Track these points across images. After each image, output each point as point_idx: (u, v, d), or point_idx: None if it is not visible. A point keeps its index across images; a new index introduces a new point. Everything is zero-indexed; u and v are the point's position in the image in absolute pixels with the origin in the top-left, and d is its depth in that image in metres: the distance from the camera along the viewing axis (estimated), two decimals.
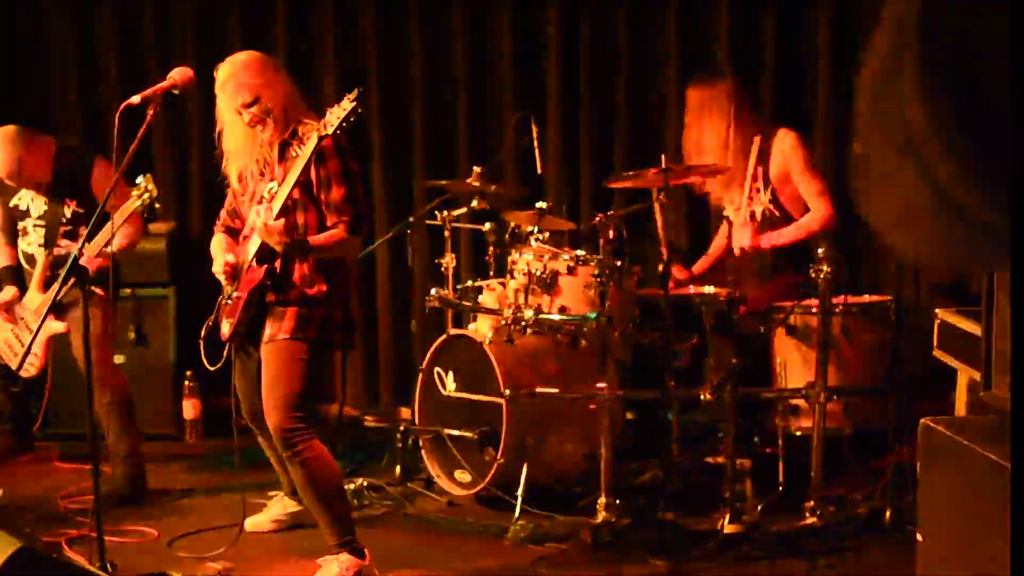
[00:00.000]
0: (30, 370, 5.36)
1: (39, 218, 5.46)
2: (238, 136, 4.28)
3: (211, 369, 4.36)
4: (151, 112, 4.04)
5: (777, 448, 4.94)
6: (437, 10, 6.75)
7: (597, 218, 4.69)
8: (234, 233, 4.49)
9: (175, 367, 6.66)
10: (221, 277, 4.30)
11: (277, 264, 4.16)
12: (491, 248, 5.85)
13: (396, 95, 6.82)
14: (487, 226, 5.84)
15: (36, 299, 5.38)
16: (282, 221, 4.03)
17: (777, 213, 5.30)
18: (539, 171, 5.80)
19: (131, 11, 7.07)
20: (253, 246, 4.17)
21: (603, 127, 6.52)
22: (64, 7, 7.08)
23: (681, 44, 6.33)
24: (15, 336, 5.42)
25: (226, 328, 4.26)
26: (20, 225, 5.51)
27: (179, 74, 4.15)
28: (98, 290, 5.14)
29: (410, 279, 6.70)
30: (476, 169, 5.57)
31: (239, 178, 4.38)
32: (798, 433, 4.84)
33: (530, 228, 5.24)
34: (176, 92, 4.16)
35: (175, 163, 7.17)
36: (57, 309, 5.26)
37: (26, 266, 5.52)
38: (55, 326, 5.25)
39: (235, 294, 4.23)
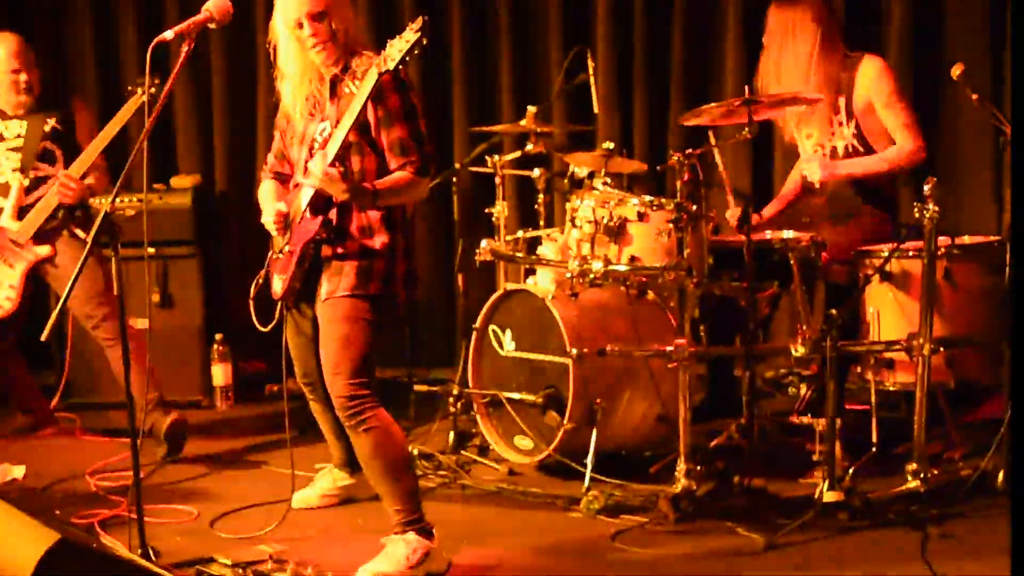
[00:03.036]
0: (5, 305, 5.21)
1: (16, 139, 5.33)
2: (292, 60, 3.86)
3: (263, 330, 3.99)
4: (186, 49, 3.65)
5: (865, 404, 4.55)
6: None
7: (674, 157, 4.26)
8: (284, 179, 4.10)
9: (204, 330, 6.28)
10: (272, 229, 3.91)
11: (333, 214, 3.77)
12: (541, 195, 5.47)
13: (432, 32, 6.32)
14: (536, 172, 5.44)
15: (12, 228, 5.20)
16: (340, 169, 3.67)
17: (861, 149, 4.87)
18: (596, 110, 5.37)
19: None
20: (306, 194, 3.80)
21: (656, 63, 6.03)
22: None
23: None
24: None
25: (278, 285, 3.89)
26: None
27: (216, 6, 3.71)
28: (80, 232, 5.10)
29: (452, 230, 6.27)
30: (531, 109, 5.15)
31: (288, 117, 3.98)
32: (893, 388, 4.44)
33: (594, 172, 4.82)
34: (213, 26, 3.74)
35: (198, 114, 6.75)
36: (40, 237, 5.21)
37: None
38: (39, 251, 5.16)
39: (287, 248, 3.86)
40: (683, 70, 5.96)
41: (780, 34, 4.89)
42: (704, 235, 4.38)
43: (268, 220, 3.91)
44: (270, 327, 3.98)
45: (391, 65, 3.53)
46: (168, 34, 3.59)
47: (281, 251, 3.89)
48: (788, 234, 4.60)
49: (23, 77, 5.33)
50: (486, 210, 5.35)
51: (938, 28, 5.51)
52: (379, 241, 3.77)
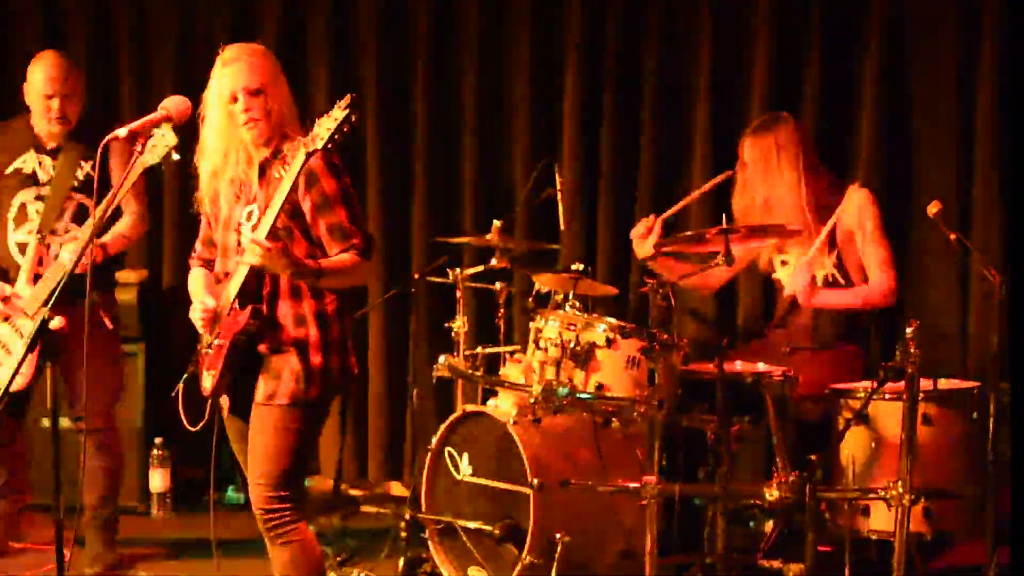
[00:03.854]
0: (17, 381, 4.51)
1: (45, 184, 4.76)
2: (221, 136, 3.67)
3: (192, 430, 3.74)
4: (139, 148, 3.43)
5: (830, 547, 4.38)
6: (445, 44, 6.18)
7: (648, 284, 4.11)
8: (213, 266, 3.89)
9: (143, 433, 6.01)
10: (199, 322, 3.70)
11: (264, 303, 3.61)
12: (501, 310, 5.29)
13: (396, 136, 6.20)
14: (497, 286, 5.28)
15: (26, 294, 4.69)
16: (278, 244, 3.46)
17: (841, 281, 4.75)
18: (563, 226, 5.23)
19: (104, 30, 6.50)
20: (235, 283, 3.58)
21: (624, 180, 5.88)
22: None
23: (714, 81, 5.69)
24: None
25: (208, 382, 3.65)
26: (17, 200, 4.80)
27: (174, 105, 3.50)
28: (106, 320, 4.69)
29: (405, 343, 6.02)
30: (496, 223, 4.98)
31: (213, 199, 3.78)
32: (872, 537, 4.26)
33: (562, 293, 4.66)
34: (169, 126, 3.49)
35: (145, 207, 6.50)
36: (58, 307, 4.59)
37: (17, 258, 4.79)
38: (52, 322, 4.38)
39: (216, 341, 3.63)
40: (651, 186, 5.80)
41: (762, 162, 4.77)
42: (675, 365, 4.22)
43: (195, 315, 3.70)
44: (199, 426, 3.73)
45: (319, 145, 3.40)
46: (121, 132, 3.40)
47: (210, 345, 3.66)
48: (761, 367, 4.46)
49: (55, 104, 4.70)
50: (446, 324, 5.16)
51: (907, 163, 5.39)
52: (314, 333, 3.62)
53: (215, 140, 3.67)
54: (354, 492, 6.18)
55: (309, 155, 3.43)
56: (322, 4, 6.26)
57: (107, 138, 3.42)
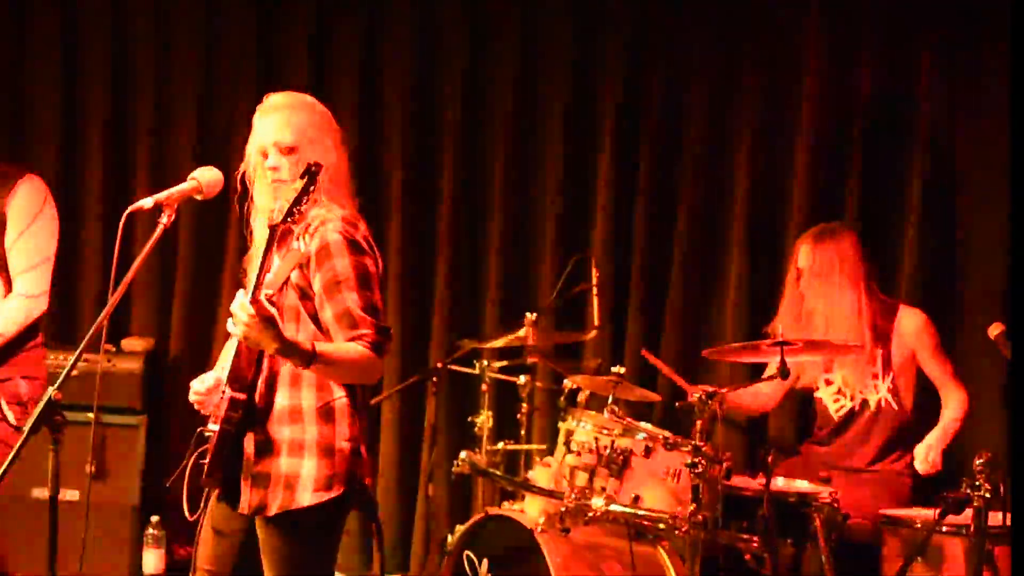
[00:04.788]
0: None
1: None
2: (261, 193, 3.30)
3: (190, 518, 3.29)
4: (166, 220, 3.12)
5: None
6: (472, 132, 5.97)
7: (697, 395, 3.89)
8: None
9: (139, 510, 5.74)
10: (192, 400, 3.27)
11: (258, 390, 3.15)
12: (524, 404, 5.07)
13: (420, 216, 6.00)
14: (521, 379, 5.06)
15: None
16: (268, 310, 2.96)
17: (895, 407, 4.54)
18: (597, 323, 5.02)
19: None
20: (226, 365, 3.19)
21: (655, 280, 5.66)
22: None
23: (751, 183, 5.50)
24: None
25: (204, 469, 3.22)
26: None
27: (205, 177, 3.21)
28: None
29: (418, 432, 5.80)
30: (529, 316, 4.76)
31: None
32: None
33: (596, 394, 4.47)
34: (199, 198, 3.25)
35: (157, 272, 6.29)
36: None
37: None
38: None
39: (212, 425, 3.20)
40: (683, 295, 5.57)
41: (823, 272, 4.57)
42: (718, 481, 3.99)
43: (193, 392, 3.25)
44: (196, 516, 3.27)
45: (278, 217, 2.99)
46: (146, 202, 3.10)
47: (210, 430, 3.22)
48: (801, 484, 4.24)
49: None
50: (469, 418, 4.93)
51: (950, 278, 5.19)
52: (312, 432, 3.15)
53: (258, 198, 3.31)
54: None
55: (273, 229, 3.01)
56: (350, 81, 6.06)
57: (131, 208, 3.13)
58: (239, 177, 3.32)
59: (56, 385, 3.03)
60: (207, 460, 3.15)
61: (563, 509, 4.14)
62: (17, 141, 6.34)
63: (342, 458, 3.16)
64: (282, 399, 3.16)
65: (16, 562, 5.38)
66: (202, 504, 3.25)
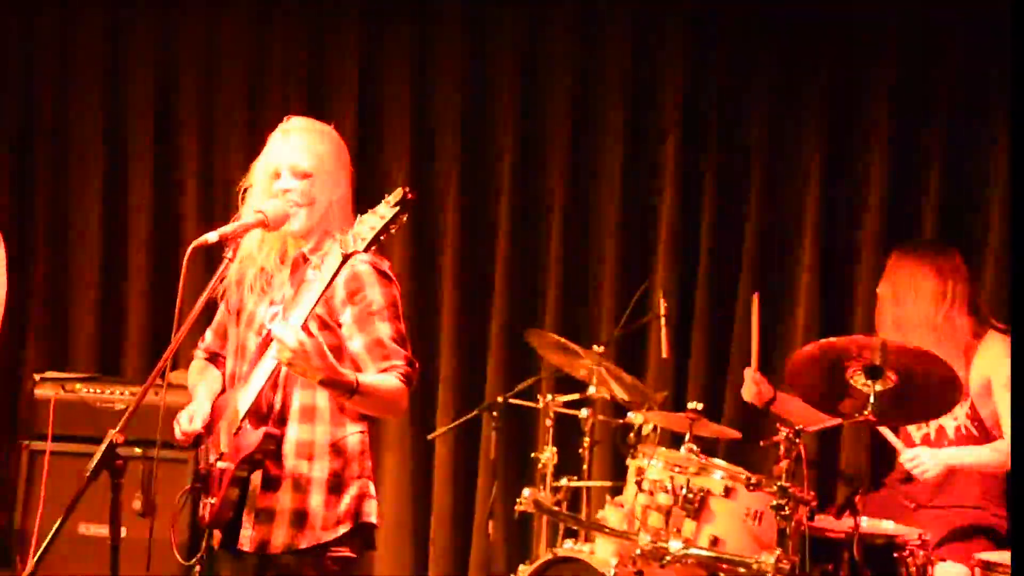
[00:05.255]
0: None
1: None
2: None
3: (184, 564, 3.23)
4: (231, 255, 3.06)
5: None
6: (529, 163, 5.79)
7: (784, 433, 3.69)
8: (219, 361, 3.37)
9: (188, 548, 5.55)
10: (178, 435, 3.20)
11: (284, 426, 3.05)
12: (587, 439, 4.89)
13: (475, 241, 5.82)
14: (583, 412, 4.88)
15: None
16: (315, 339, 2.86)
17: (975, 433, 4.32)
18: (665, 354, 4.84)
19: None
20: (248, 395, 3.05)
21: (720, 310, 5.48)
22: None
23: (824, 194, 5.33)
24: None
25: (206, 511, 3.14)
26: None
27: (273, 211, 3.11)
28: None
29: (471, 468, 5.63)
30: (597, 348, 4.58)
31: (239, 283, 3.25)
32: None
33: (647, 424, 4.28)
34: (264, 232, 3.15)
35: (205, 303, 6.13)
36: None
37: None
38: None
39: (219, 462, 3.10)
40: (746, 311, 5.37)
41: (903, 287, 4.37)
42: (802, 523, 3.79)
43: (179, 426, 3.18)
44: (193, 561, 3.21)
45: (359, 246, 2.80)
46: (211, 236, 3.02)
47: (212, 465, 3.13)
48: (888, 525, 4.04)
49: None
50: (532, 455, 4.77)
51: None
52: (323, 468, 3.08)
53: (249, 214, 3.17)
54: None
55: (347, 257, 2.84)
56: (402, 94, 5.90)
57: (195, 243, 3.03)
58: (240, 193, 3.24)
59: (118, 428, 2.91)
60: (219, 499, 3.05)
61: (637, 552, 3.95)
62: (61, 165, 6.23)
63: (351, 495, 3.08)
64: (293, 433, 3.07)
65: None
66: (203, 547, 3.20)
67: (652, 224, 5.53)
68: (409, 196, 2.81)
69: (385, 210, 2.82)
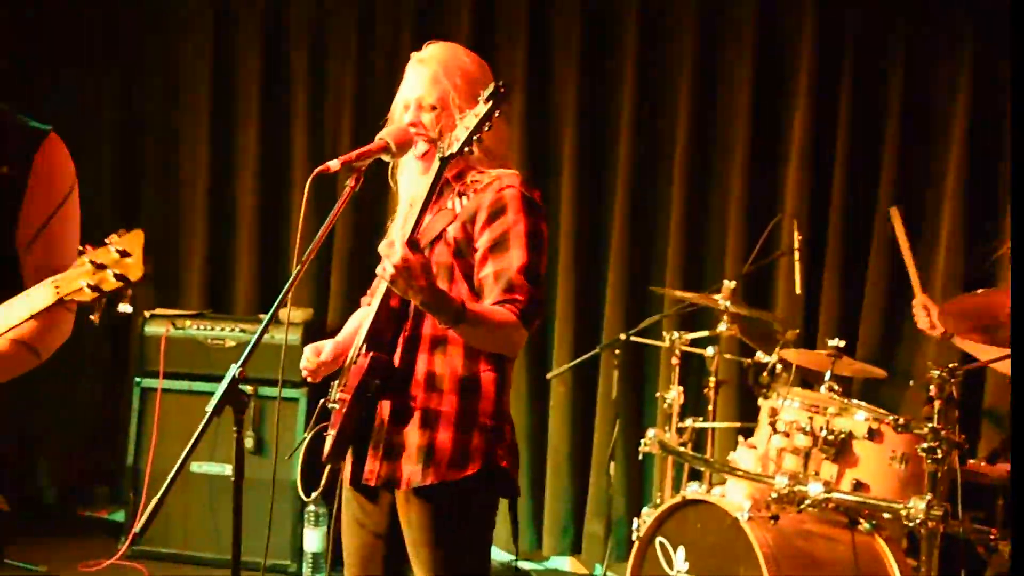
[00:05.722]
0: None
1: None
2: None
3: (305, 500, 3.05)
4: (353, 184, 2.85)
5: None
6: (651, 92, 5.54)
7: (937, 372, 3.46)
8: None
9: (310, 483, 5.48)
10: (302, 371, 3.08)
11: (396, 351, 2.88)
12: (712, 378, 4.68)
13: (593, 176, 5.61)
14: (709, 351, 4.67)
15: None
16: (420, 257, 2.69)
17: None
18: (798, 289, 4.61)
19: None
20: (367, 321, 2.91)
21: (854, 245, 5.19)
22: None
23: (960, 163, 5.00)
24: None
25: (327, 444, 2.95)
26: None
27: (393, 134, 2.95)
28: None
29: (588, 408, 5.47)
30: (728, 284, 4.37)
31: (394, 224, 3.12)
32: None
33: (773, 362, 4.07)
34: (387, 158, 2.97)
35: (311, 240, 6.01)
36: None
37: None
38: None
39: (339, 394, 2.95)
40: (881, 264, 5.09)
41: None
42: (954, 467, 3.57)
43: (306, 359, 3.07)
44: (313, 496, 3.03)
45: (455, 148, 2.72)
46: (333, 164, 2.80)
47: (334, 400, 2.98)
48: None
49: None
50: (657, 395, 4.59)
51: None
52: (450, 403, 2.88)
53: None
54: (526, 566, 5.60)
55: (444, 161, 2.76)
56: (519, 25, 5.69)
57: (317, 170, 2.81)
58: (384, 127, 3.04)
59: (240, 362, 2.76)
60: (333, 432, 2.89)
61: (773, 496, 3.76)
62: (169, 107, 6.16)
63: (481, 436, 2.88)
64: (423, 364, 2.89)
65: (173, 536, 5.26)
66: (322, 484, 3.01)
67: (783, 155, 5.27)
68: (502, 88, 2.70)
69: (479, 108, 2.72)
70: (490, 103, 2.70)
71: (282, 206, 6.04)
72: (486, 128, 2.72)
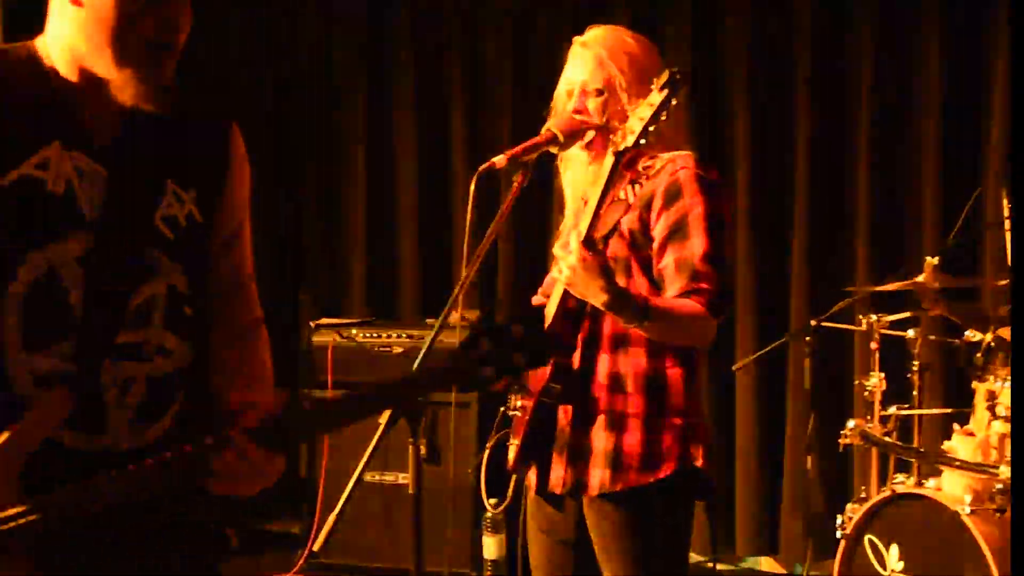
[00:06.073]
0: None
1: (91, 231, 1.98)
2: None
3: (491, 510, 3.15)
4: (521, 179, 2.74)
5: None
6: (831, 62, 5.24)
7: None
8: None
9: (477, 492, 5.31)
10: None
11: (577, 353, 2.77)
12: (916, 363, 4.34)
13: (771, 156, 5.32)
14: (911, 333, 4.33)
15: None
16: (597, 257, 2.64)
17: None
18: (1009, 262, 4.25)
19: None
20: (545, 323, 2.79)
21: None
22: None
23: None
24: None
25: (511, 452, 2.89)
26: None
27: (560, 124, 2.82)
28: None
29: (778, 397, 5.21)
30: (930, 260, 4.06)
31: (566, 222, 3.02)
32: None
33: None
34: (555, 150, 2.84)
35: (479, 239, 5.84)
36: None
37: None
38: None
39: (520, 401, 2.86)
40: None
41: None
42: None
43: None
44: (502, 507, 3.03)
45: (630, 141, 2.62)
46: (499, 160, 2.72)
47: (516, 408, 2.90)
48: None
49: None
50: (856, 382, 4.30)
51: None
52: (636, 403, 2.75)
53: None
54: (721, 567, 5.35)
55: (618, 156, 2.65)
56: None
57: (482, 168, 2.73)
58: (547, 118, 2.93)
59: (415, 368, 2.65)
60: (517, 441, 2.84)
61: (998, 487, 3.44)
62: (325, 110, 6.05)
63: (672, 435, 2.76)
64: (604, 364, 2.78)
65: (350, 547, 5.16)
66: (509, 494, 3.00)
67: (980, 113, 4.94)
68: (678, 76, 2.61)
69: (654, 96, 2.62)
70: (665, 91, 2.60)
71: (444, 205, 5.88)
72: (663, 118, 2.61)
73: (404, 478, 4.77)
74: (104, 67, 1.92)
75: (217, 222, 2.10)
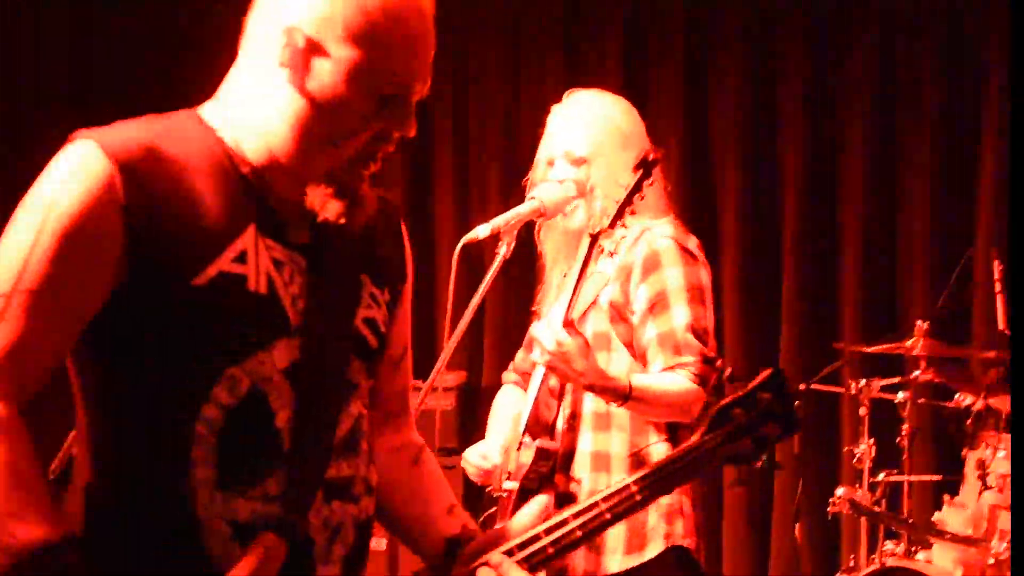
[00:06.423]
0: None
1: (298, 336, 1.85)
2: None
3: None
4: (505, 250, 2.68)
5: None
6: (820, 115, 5.20)
7: None
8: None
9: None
10: (472, 475, 2.93)
11: (559, 432, 2.76)
12: (905, 426, 4.26)
13: (759, 217, 5.26)
14: (900, 396, 4.26)
15: None
16: (579, 336, 2.61)
17: None
18: (1002, 326, 4.20)
19: None
20: (527, 404, 2.78)
21: None
22: None
23: None
24: None
25: None
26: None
27: (548, 195, 2.77)
28: None
29: (767, 469, 5.08)
30: (920, 324, 3.99)
31: (547, 293, 3.00)
32: None
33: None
34: (538, 220, 2.83)
35: (465, 301, 5.74)
36: None
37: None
38: None
39: (507, 482, 2.80)
40: None
41: None
42: None
43: (469, 466, 2.92)
44: None
45: (604, 223, 2.63)
46: (482, 231, 2.67)
47: (502, 490, 2.85)
48: None
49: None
50: (847, 448, 4.21)
51: None
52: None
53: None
54: None
55: (594, 238, 2.65)
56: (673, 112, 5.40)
57: (465, 239, 2.67)
58: (526, 187, 2.94)
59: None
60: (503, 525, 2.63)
61: (990, 561, 3.35)
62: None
63: (658, 514, 2.72)
64: (586, 444, 2.78)
65: None
66: None
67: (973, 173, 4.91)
68: (650, 158, 2.62)
69: (628, 178, 2.64)
70: (639, 172, 2.61)
71: (434, 270, 5.77)
72: (638, 200, 2.63)
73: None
74: (302, 166, 1.61)
75: (391, 334, 1.76)
